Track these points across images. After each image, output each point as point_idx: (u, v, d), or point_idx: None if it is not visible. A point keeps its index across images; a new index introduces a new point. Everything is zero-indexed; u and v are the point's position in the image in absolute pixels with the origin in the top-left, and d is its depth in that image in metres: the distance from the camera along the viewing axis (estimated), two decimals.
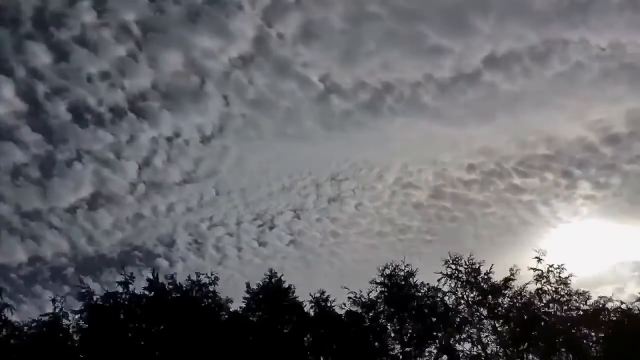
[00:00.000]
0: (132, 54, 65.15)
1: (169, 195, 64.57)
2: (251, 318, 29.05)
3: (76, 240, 57.88)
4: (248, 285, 30.06)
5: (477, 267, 32.16)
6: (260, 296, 29.49)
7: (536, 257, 31.74)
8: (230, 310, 28.86)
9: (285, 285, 30.22)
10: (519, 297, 31.40)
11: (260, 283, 30.17)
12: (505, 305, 31.32)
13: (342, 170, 69.18)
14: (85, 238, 59.05)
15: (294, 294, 30.17)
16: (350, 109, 68.57)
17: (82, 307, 26.56)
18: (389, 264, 32.45)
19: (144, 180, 64.49)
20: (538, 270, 31.40)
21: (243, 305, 29.59)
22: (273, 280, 30.05)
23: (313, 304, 30.32)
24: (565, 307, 30.78)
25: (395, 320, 31.06)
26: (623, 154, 64.97)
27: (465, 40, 67.98)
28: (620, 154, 65.15)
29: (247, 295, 29.71)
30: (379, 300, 31.48)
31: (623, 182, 65.02)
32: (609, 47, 64.41)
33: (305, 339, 29.29)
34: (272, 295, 29.39)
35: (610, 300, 30.89)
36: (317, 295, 30.64)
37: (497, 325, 30.86)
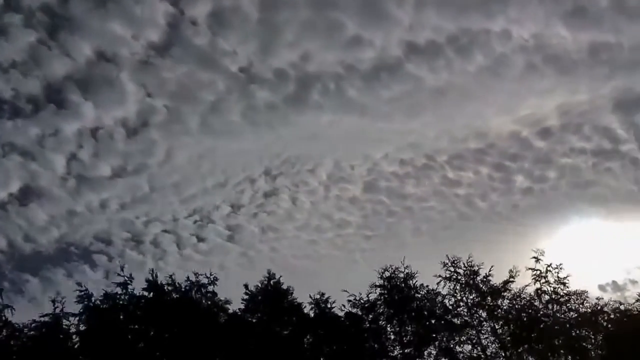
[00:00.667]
0: (43, 42, 60.81)
1: (102, 191, 63.77)
2: (250, 319, 29.04)
3: (13, 238, 57.08)
4: (247, 286, 30.07)
5: (476, 269, 32.31)
6: (260, 297, 29.51)
7: (534, 257, 31.95)
8: (229, 311, 28.82)
9: (284, 286, 30.27)
10: (518, 299, 31.48)
11: (259, 284, 30.20)
12: (505, 307, 31.41)
13: (274, 166, 69.73)
14: (21, 235, 58.48)
15: (293, 295, 30.24)
16: (275, 103, 67.93)
17: (82, 309, 26.60)
18: (388, 266, 32.62)
19: (74, 175, 62.95)
20: (536, 270, 31.59)
21: (242, 306, 29.61)
22: (272, 281, 30.09)
23: (313, 306, 30.38)
24: (565, 308, 30.83)
25: (394, 322, 31.07)
26: (557, 147, 65.75)
27: (385, 30, 67.13)
28: (554, 147, 66.01)
29: (246, 297, 29.72)
30: (378, 302, 31.54)
31: (559, 175, 65.93)
32: (532, 38, 64.23)
33: (304, 340, 29.29)
34: (271, 296, 29.42)
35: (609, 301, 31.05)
36: (317, 296, 30.73)
37: (496, 326, 30.91)
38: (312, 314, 30.19)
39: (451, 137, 67.83)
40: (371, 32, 66.68)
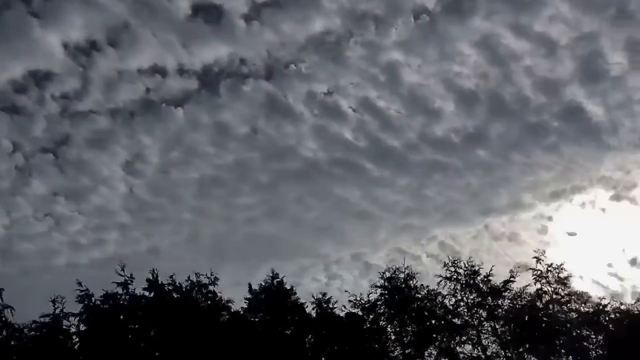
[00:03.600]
0: None
1: None
2: (252, 319, 28.98)
3: None
4: (250, 285, 30.04)
5: (476, 269, 32.36)
6: (262, 297, 29.42)
7: (535, 257, 32.03)
8: (232, 310, 28.75)
9: (287, 286, 30.22)
10: (518, 299, 31.53)
11: (262, 284, 30.13)
12: (505, 307, 31.45)
13: None
14: None
15: (296, 295, 30.20)
16: None
17: (82, 309, 26.48)
18: (389, 267, 32.65)
19: None
20: (537, 270, 31.66)
21: (244, 305, 29.52)
22: (275, 281, 30.02)
23: (315, 306, 30.32)
24: (565, 308, 30.89)
25: (395, 322, 31.07)
26: None
27: None
28: None
29: (249, 296, 29.64)
30: (379, 303, 31.51)
31: None
32: None
33: (306, 340, 29.25)
34: (274, 296, 29.32)
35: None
36: (319, 296, 30.72)
37: (497, 326, 30.95)
38: (314, 314, 30.15)
39: None
40: None
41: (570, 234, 65.63)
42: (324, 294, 30.80)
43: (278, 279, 30.05)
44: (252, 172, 74.08)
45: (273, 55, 74.91)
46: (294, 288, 30.31)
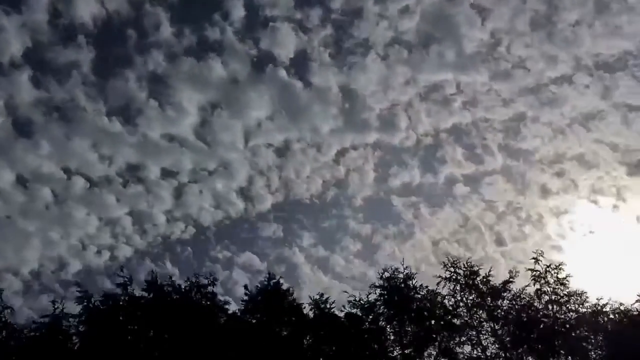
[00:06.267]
0: None
1: None
2: (250, 320, 29.03)
3: None
4: (246, 287, 30.12)
5: (476, 269, 32.32)
6: (259, 298, 29.48)
7: (534, 258, 31.98)
8: (229, 312, 28.82)
9: (284, 287, 30.27)
10: (518, 299, 31.47)
11: (259, 285, 30.23)
12: (505, 308, 31.39)
13: None
14: None
15: (293, 296, 30.22)
16: None
17: (81, 310, 26.61)
18: (388, 267, 32.65)
19: None
20: (536, 271, 31.60)
21: (241, 307, 29.58)
22: (271, 282, 30.08)
23: (312, 306, 30.35)
24: (564, 309, 30.81)
25: (394, 322, 31.02)
26: None
27: None
28: None
29: (246, 297, 29.73)
30: (378, 303, 31.50)
31: None
32: None
33: (304, 341, 29.26)
34: (271, 297, 29.39)
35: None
36: (317, 297, 30.74)
37: (496, 327, 30.88)
38: (311, 315, 30.17)
39: None
40: None
41: None
42: (322, 295, 30.89)
43: (274, 280, 30.12)
44: None
45: None
46: (291, 289, 30.41)
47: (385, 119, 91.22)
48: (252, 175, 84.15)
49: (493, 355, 30.37)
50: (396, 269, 32.34)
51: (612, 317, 30.57)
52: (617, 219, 77.02)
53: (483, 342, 30.59)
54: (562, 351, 29.79)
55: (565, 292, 31.08)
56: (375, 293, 31.73)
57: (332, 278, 72.60)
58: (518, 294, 31.50)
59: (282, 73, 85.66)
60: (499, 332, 30.78)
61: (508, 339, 30.47)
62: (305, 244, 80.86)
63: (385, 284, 31.92)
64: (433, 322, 31.16)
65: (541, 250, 32.39)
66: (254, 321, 28.91)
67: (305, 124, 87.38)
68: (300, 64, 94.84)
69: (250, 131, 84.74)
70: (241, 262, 71.48)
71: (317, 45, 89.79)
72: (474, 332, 30.82)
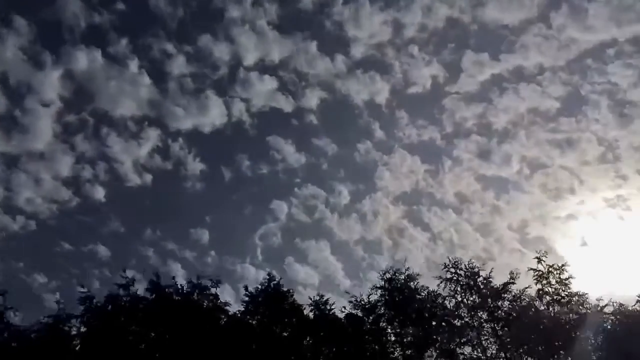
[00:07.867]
0: None
1: None
2: (250, 321, 29.04)
3: None
4: (246, 288, 30.14)
5: (476, 270, 32.34)
6: (260, 299, 29.49)
7: (536, 258, 31.98)
8: (230, 313, 28.80)
9: (284, 288, 30.28)
10: (518, 300, 31.48)
11: (260, 286, 30.25)
12: (505, 309, 31.39)
13: None
14: None
15: (293, 297, 30.24)
16: None
17: (83, 310, 26.62)
18: (389, 268, 32.69)
19: None
20: (538, 271, 31.60)
21: (242, 308, 29.59)
22: (272, 283, 30.10)
23: (313, 307, 30.37)
24: (565, 309, 30.78)
25: (395, 323, 31.06)
26: None
27: None
28: None
29: (246, 299, 29.73)
30: (379, 304, 31.54)
31: None
32: None
33: (304, 342, 29.27)
34: (272, 298, 29.41)
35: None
36: (317, 298, 30.80)
37: (497, 328, 30.86)
38: (311, 316, 30.18)
39: None
40: None
41: None
42: (322, 296, 30.94)
43: (275, 282, 30.13)
44: None
45: None
46: (292, 290, 30.45)
47: None
48: None
49: (493, 356, 30.32)
50: (397, 270, 32.46)
51: (613, 317, 30.54)
52: None
53: (484, 343, 30.55)
54: (562, 352, 29.77)
55: (567, 293, 31.06)
56: (377, 294, 31.86)
57: None
58: (519, 295, 31.48)
59: None
60: (500, 333, 30.75)
61: (508, 339, 30.44)
62: None
63: (387, 285, 31.98)
64: (434, 323, 31.19)
65: (544, 251, 32.41)
66: (254, 322, 28.92)
67: None
68: None
69: None
70: None
71: None
72: (475, 333, 30.76)
